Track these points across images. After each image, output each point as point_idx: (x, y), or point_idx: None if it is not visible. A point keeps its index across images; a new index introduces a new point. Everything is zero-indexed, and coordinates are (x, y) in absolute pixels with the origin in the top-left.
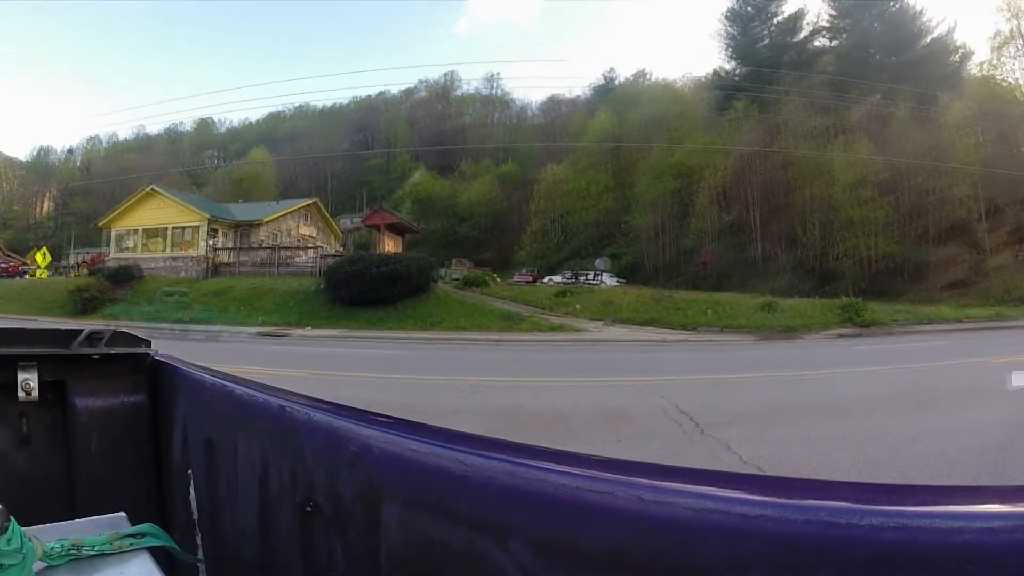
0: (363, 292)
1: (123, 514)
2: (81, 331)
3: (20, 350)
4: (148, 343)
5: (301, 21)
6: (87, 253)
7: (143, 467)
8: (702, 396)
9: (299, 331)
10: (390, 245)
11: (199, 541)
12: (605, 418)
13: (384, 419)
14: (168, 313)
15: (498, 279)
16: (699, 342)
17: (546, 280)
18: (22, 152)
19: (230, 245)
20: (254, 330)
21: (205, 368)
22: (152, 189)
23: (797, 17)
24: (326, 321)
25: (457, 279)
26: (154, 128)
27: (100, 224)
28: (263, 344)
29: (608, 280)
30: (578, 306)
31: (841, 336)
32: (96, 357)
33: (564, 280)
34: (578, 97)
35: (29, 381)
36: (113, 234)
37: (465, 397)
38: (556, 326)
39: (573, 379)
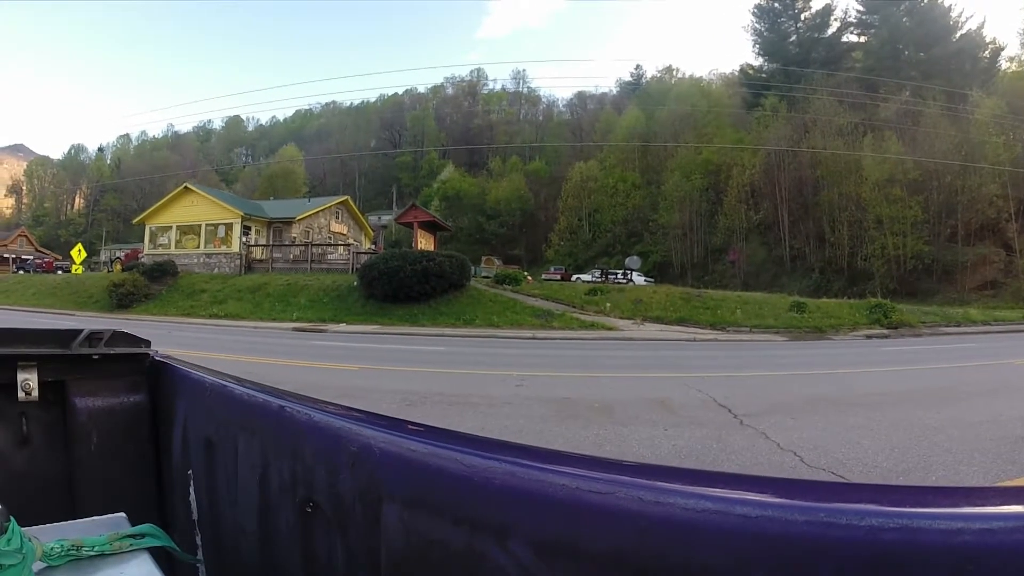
0: (398, 289)
1: (123, 514)
2: (81, 331)
3: (20, 350)
4: (148, 343)
5: (329, 21)
6: (119, 249)
7: (143, 467)
8: (737, 390)
9: (335, 327)
10: (423, 242)
11: (199, 541)
12: (648, 410)
13: (384, 419)
14: None
15: (529, 277)
16: (729, 341)
17: (574, 279)
18: (56, 151)
19: (263, 242)
20: (290, 326)
21: (205, 368)
22: (187, 186)
23: (826, 12)
24: (361, 317)
25: (488, 276)
26: (184, 126)
27: (136, 221)
28: (303, 339)
29: (637, 279)
30: (609, 304)
31: (870, 337)
32: (96, 357)
33: (593, 278)
34: (605, 93)
35: (29, 381)
36: (148, 230)
37: (512, 389)
38: (588, 324)
39: (612, 374)
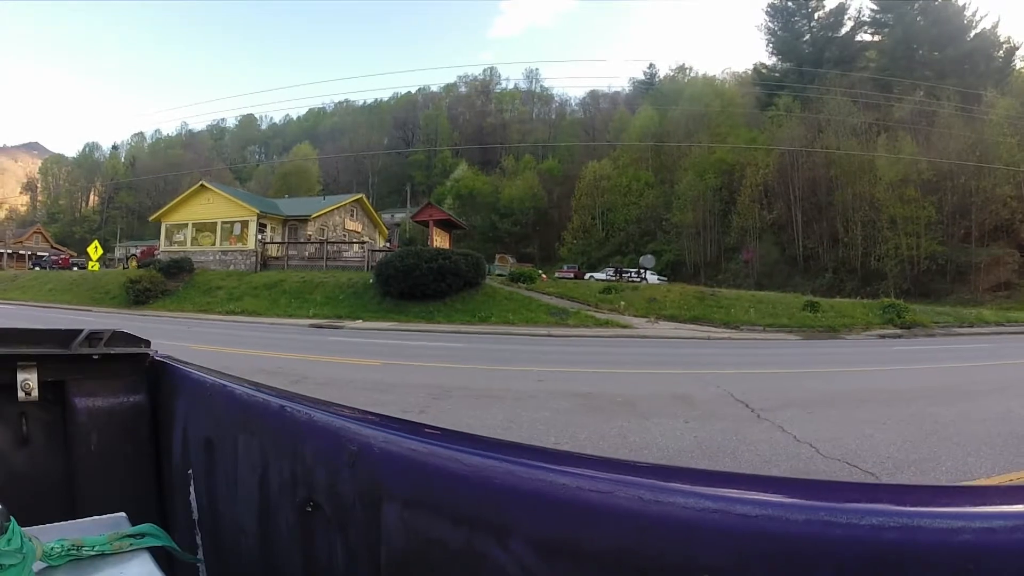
0: (413, 286)
1: (123, 514)
2: (81, 331)
3: (20, 350)
4: (148, 343)
5: (341, 21)
6: (134, 246)
7: (143, 467)
8: (753, 386)
9: (352, 324)
10: (438, 240)
11: (199, 541)
12: (669, 404)
13: (384, 419)
14: None
15: (543, 275)
16: (743, 339)
17: (587, 277)
18: (70, 149)
19: (279, 240)
20: (307, 322)
21: (205, 368)
22: (204, 184)
23: (839, 12)
24: (376, 314)
25: (502, 274)
26: (198, 125)
27: (152, 218)
28: (322, 335)
29: (651, 278)
30: (623, 303)
31: (883, 337)
32: (96, 357)
33: (607, 277)
34: (618, 92)
35: (29, 381)
36: (164, 228)
37: (534, 384)
38: (603, 322)
39: (630, 370)
